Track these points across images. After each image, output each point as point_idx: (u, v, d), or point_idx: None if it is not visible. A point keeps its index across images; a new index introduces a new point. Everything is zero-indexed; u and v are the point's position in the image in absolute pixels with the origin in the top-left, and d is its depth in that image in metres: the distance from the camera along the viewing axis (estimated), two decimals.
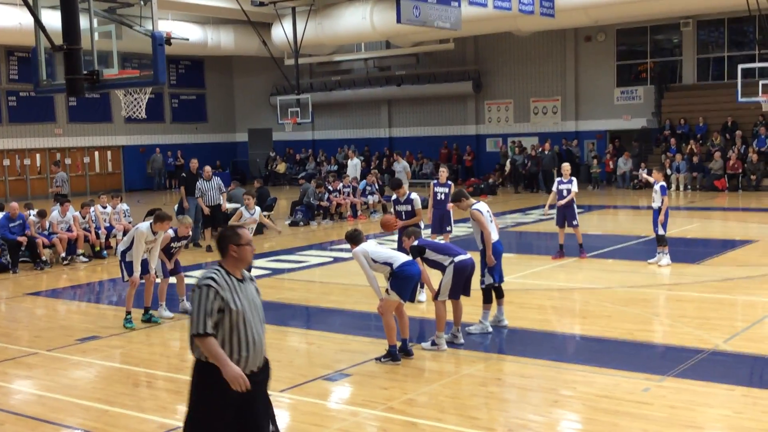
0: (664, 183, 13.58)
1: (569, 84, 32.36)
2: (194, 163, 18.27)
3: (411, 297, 8.58)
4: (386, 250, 8.89)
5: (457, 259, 8.76)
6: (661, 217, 13.26)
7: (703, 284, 12.10)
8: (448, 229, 13.33)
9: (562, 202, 14.29)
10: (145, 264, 10.56)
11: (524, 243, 17.97)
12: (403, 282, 8.36)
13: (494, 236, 9.64)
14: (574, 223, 14.36)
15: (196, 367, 4.82)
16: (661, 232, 13.37)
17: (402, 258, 8.51)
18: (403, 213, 11.67)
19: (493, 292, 9.69)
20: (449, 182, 13.53)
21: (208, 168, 17.69)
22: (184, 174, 18.48)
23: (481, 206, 9.71)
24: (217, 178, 17.63)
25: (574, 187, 14.31)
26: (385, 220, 10.70)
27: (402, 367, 8.27)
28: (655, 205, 13.44)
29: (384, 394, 7.46)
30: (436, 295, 8.86)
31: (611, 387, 7.44)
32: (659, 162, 28.16)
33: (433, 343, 8.86)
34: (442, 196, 13.30)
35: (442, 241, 11.21)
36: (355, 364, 8.41)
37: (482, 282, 9.59)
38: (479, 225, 9.55)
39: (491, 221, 9.75)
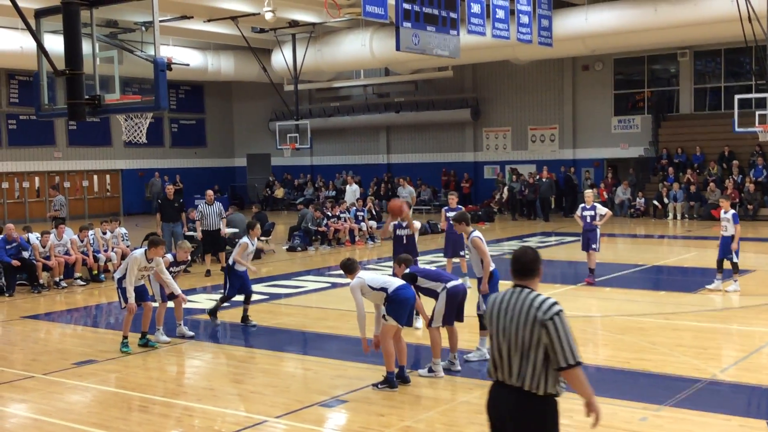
0: (735, 211, 13.74)
1: (567, 112, 32.54)
2: (170, 190, 18.15)
3: (408, 321, 8.54)
4: (381, 275, 8.90)
5: (450, 285, 8.79)
6: (735, 245, 13.47)
7: (700, 313, 12.11)
8: (462, 253, 13.46)
9: (600, 222, 14.47)
10: (144, 292, 10.56)
11: None
12: (399, 306, 8.37)
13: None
14: (593, 246, 14.50)
15: (545, 403, 4.50)
16: (735, 259, 13.55)
17: (396, 282, 8.53)
18: (404, 237, 11.58)
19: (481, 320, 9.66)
20: (459, 207, 13.77)
21: (210, 192, 17.74)
22: (159, 200, 18.38)
23: (480, 234, 9.70)
24: (218, 203, 17.67)
25: (602, 210, 14.58)
26: (393, 203, 10.70)
27: (399, 394, 8.26)
28: (726, 233, 13.58)
29: (380, 420, 7.44)
30: (429, 322, 8.87)
31: (608, 416, 7.39)
32: (655, 191, 28.29)
33: (430, 370, 8.85)
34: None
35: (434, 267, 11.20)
36: (352, 390, 8.39)
37: (479, 307, 9.56)
38: (479, 252, 9.49)
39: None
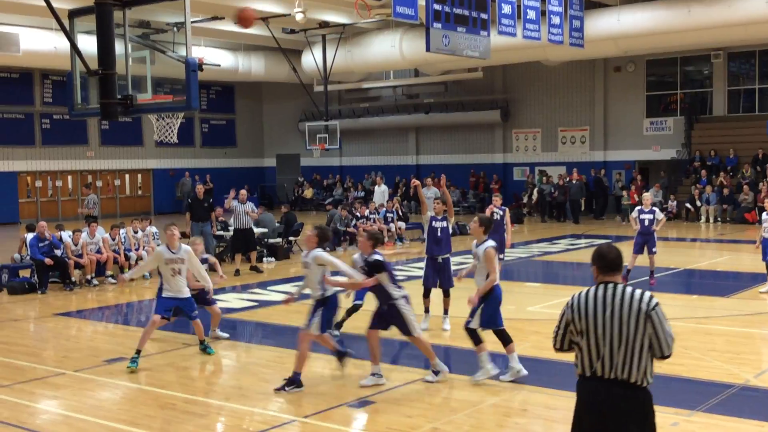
0: None
1: (598, 114, 32.30)
2: (200, 189, 18.25)
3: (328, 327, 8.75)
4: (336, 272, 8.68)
5: (404, 292, 8.69)
6: None
7: (733, 318, 11.94)
8: (501, 257, 13.55)
9: (657, 227, 14.57)
10: (190, 306, 9.97)
11: (551, 273, 17.86)
12: (331, 314, 8.67)
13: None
14: (654, 250, 14.56)
15: (647, 393, 4.66)
16: None
17: (335, 289, 8.62)
18: (439, 230, 11.32)
19: (500, 337, 8.82)
20: (503, 207, 14.21)
21: (243, 192, 17.86)
22: (189, 200, 18.40)
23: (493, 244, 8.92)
24: (251, 203, 17.82)
25: (659, 215, 14.62)
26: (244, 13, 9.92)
27: (427, 396, 8.23)
28: (766, 234, 13.50)
29: (408, 422, 7.41)
30: (409, 332, 8.63)
31: None
32: (688, 193, 27.96)
33: (436, 372, 8.71)
34: (498, 217, 13.86)
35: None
36: (380, 391, 8.37)
37: (468, 322, 8.70)
38: (489, 266, 8.70)
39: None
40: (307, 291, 8.86)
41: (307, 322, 8.61)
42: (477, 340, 8.64)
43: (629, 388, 4.59)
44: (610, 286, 4.70)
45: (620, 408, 4.58)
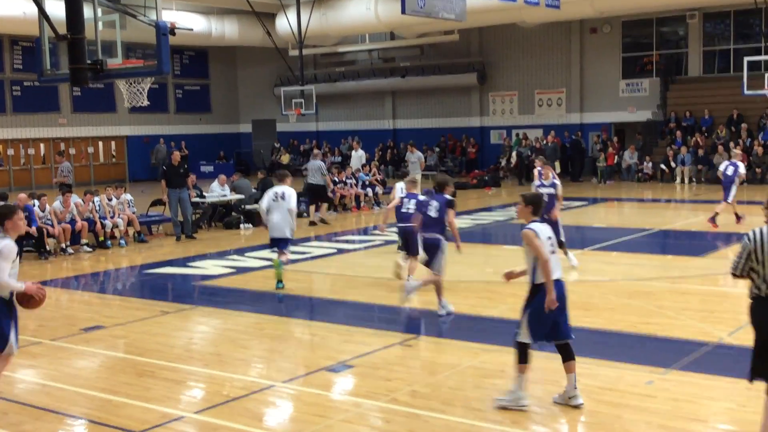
0: None
1: (574, 76, 32.27)
2: (176, 156, 18.29)
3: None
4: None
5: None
6: None
7: (708, 277, 12.07)
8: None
9: (737, 177, 16.53)
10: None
11: None
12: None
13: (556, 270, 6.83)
14: (728, 200, 16.64)
15: None
16: None
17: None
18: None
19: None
20: (555, 180, 13.72)
21: (317, 152, 21.99)
22: (165, 167, 18.40)
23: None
24: (321, 162, 20.26)
25: (742, 169, 16.82)
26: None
27: (406, 359, 8.27)
28: None
29: (387, 385, 7.45)
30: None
31: (614, 380, 7.43)
32: (663, 154, 28.12)
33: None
34: (546, 198, 13.55)
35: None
36: (359, 355, 8.40)
37: (517, 334, 6.76)
38: (532, 250, 6.79)
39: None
40: None
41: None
42: (521, 357, 6.71)
43: None
44: None
45: None
